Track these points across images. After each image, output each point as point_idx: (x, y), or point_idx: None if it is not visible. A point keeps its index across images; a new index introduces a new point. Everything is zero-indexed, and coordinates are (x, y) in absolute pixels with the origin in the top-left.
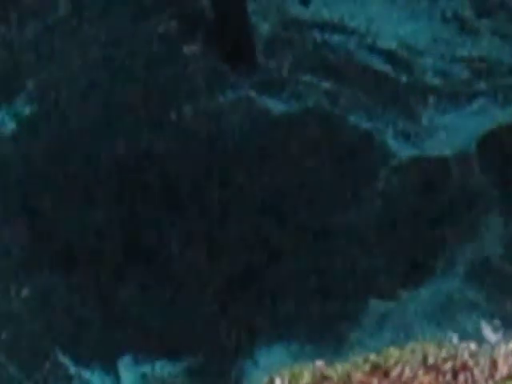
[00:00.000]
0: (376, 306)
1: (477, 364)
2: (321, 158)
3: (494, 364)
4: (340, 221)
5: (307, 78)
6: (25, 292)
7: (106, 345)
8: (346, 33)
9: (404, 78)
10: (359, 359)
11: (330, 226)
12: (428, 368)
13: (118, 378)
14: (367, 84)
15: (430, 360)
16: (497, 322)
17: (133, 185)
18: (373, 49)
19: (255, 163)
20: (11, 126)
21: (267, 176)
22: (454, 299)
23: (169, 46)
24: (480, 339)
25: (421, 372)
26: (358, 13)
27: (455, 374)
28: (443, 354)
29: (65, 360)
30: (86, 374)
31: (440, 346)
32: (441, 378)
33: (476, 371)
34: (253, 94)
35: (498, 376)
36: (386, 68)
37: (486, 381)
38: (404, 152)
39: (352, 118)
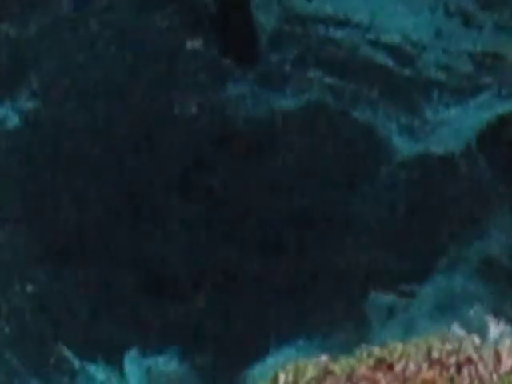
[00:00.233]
0: (380, 301)
1: (481, 358)
2: (324, 152)
3: (497, 358)
4: (343, 215)
5: (311, 72)
6: (29, 287)
7: (111, 339)
8: (350, 27)
9: (407, 73)
10: (363, 354)
11: (332, 221)
12: (432, 362)
13: (122, 372)
14: (371, 78)
15: (434, 354)
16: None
17: (135, 178)
18: (376, 43)
19: (258, 156)
20: (14, 120)
21: (269, 169)
22: (459, 294)
23: (172, 40)
24: (484, 333)
25: (425, 366)
26: (362, 7)
27: (459, 368)
28: (447, 348)
29: (69, 355)
30: (91, 369)
31: (444, 340)
32: (445, 372)
33: (480, 365)
34: (256, 88)
35: (501, 370)
36: (390, 62)
37: (490, 374)
38: (408, 147)
39: (355, 113)
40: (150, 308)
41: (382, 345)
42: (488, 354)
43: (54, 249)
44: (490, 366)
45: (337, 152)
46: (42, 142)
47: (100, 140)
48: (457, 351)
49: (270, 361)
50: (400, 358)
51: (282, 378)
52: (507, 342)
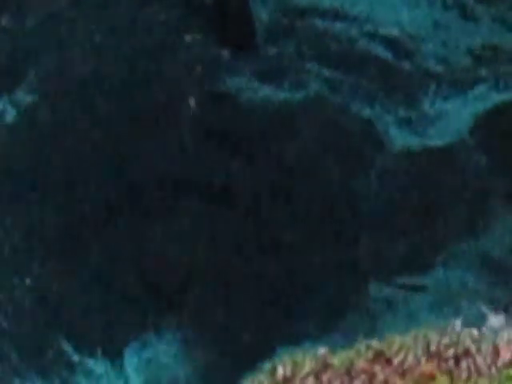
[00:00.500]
0: (380, 294)
1: (479, 350)
2: (322, 146)
3: (496, 350)
4: (341, 208)
5: (308, 65)
6: (28, 281)
7: (111, 333)
8: (347, 20)
9: (405, 65)
10: (362, 347)
11: (331, 214)
12: (431, 355)
13: (122, 365)
14: (369, 71)
15: (433, 347)
16: (499, 308)
17: (133, 172)
18: (374, 36)
19: (256, 151)
20: (12, 114)
21: (268, 163)
22: (458, 287)
23: (170, 34)
24: (482, 326)
25: (423, 359)
26: (360, 0)
27: (457, 361)
28: (446, 340)
29: (68, 348)
30: (90, 362)
31: (442, 332)
32: (443, 365)
33: (478, 358)
34: (254, 81)
35: (500, 362)
36: (388, 55)
37: (489, 367)
38: (405, 139)
39: (353, 106)
40: (149, 303)
41: (381, 338)
42: (486, 346)
43: (53, 243)
44: (489, 359)
45: (335, 145)
46: (39, 136)
47: (98, 134)
48: (455, 344)
49: (273, 358)
50: (399, 350)
51: (280, 371)
52: (505, 334)
